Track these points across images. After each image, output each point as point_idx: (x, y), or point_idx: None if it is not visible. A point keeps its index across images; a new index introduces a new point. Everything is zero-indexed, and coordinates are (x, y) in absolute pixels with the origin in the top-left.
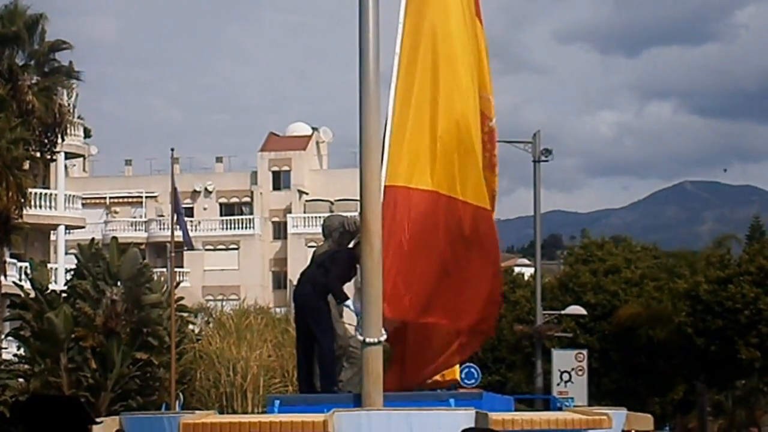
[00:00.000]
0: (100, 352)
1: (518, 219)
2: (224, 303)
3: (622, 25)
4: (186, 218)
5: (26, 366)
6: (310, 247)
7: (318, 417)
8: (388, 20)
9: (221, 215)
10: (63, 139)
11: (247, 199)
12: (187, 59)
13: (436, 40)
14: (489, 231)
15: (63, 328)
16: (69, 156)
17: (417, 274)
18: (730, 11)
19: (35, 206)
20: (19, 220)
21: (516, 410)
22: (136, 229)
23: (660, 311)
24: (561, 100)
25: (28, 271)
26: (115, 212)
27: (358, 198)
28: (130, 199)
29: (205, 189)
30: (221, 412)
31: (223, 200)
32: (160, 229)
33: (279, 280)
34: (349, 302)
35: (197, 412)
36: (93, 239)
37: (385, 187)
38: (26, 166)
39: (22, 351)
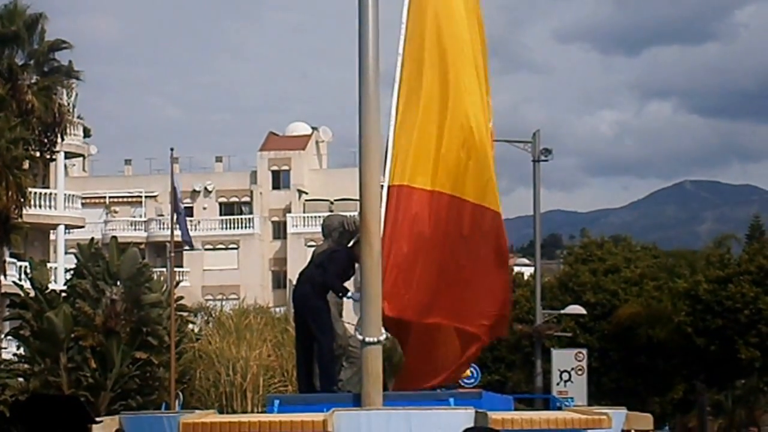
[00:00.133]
0: (100, 352)
1: (518, 218)
2: (224, 302)
3: (622, 25)
4: (186, 218)
5: (26, 365)
6: (309, 246)
7: (317, 416)
8: (388, 20)
9: (221, 215)
10: (63, 139)
11: (247, 199)
12: (186, 58)
13: (443, 40)
14: (496, 232)
15: (63, 328)
16: (69, 155)
17: (417, 273)
18: (730, 11)
19: (35, 206)
20: (19, 220)
21: (515, 410)
22: (135, 229)
23: (660, 311)
24: (561, 100)
25: (28, 271)
26: (115, 212)
27: (358, 198)
28: (129, 199)
29: (205, 188)
30: (221, 412)
31: (222, 200)
32: (159, 228)
33: (278, 280)
34: (350, 293)
35: (197, 411)
36: (93, 239)
37: (388, 186)
38: (26, 165)
39: (21, 350)
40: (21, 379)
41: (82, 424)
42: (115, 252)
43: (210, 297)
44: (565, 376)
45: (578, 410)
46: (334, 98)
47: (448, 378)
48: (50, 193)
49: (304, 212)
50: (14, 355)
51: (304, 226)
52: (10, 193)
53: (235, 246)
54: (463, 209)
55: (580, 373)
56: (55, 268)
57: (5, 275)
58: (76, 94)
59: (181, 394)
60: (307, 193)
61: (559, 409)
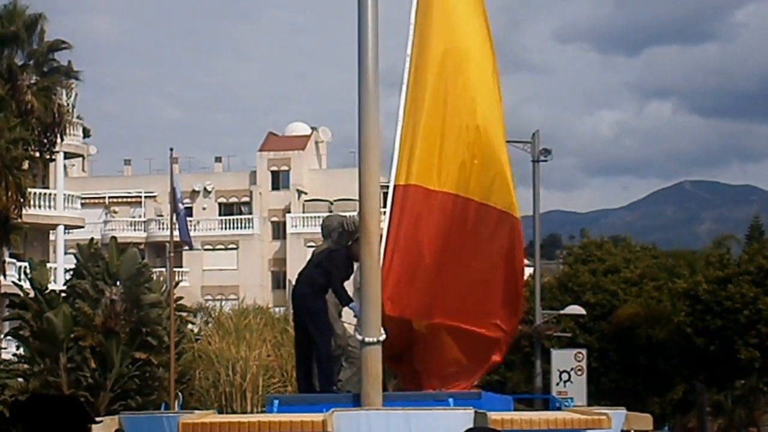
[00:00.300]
0: (100, 352)
1: None
2: (223, 303)
3: (622, 25)
4: (186, 218)
5: (25, 365)
6: (309, 246)
7: (317, 417)
8: (388, 20)
9: (220, 215)
10: (62, 139)
11: (246, 199)
12: (186, 59)
13: (449, 40)
14: (505, 232)
15: (62, 328)
16: (68, 156)
17: (421, 272)
18: (729, 11)
19: (34, 206)
20: (19, 220)
21: (515, 410)
22: (135, 229)
23: (659, 311)
24: (560, 100)
25: (28, 271)
26: (114, 212)
27: (357, 198)
28: (129, 199)
29: (204, 189)
30: (220, 412)
31: (222, 200)
32: (159, 228)
33: (278, 280)
34: (352, 304)
35: (196, 411)
36: (92, 239)
37: (394, 185)
38: (25, 165)
39: (21, 351)
40: (21, 380)
41: (82, 424)
42: (114, 252)
43: (209, 297)
44: (565, 376)
45: (578, 410)
46: (333, 98)
47: (469, 382)
48: (50, 194)
49: (303, 212)
50: (14, 355)
51: (303, 226)
52: (9, 194)
53: (234, 246)
54: (468, 208)
55: (579, 373)
56: (55, 269)
57: (5, 275)
58: (76, 95)
59: (180, 394)
60: (306, 194)
61: (559, 409)
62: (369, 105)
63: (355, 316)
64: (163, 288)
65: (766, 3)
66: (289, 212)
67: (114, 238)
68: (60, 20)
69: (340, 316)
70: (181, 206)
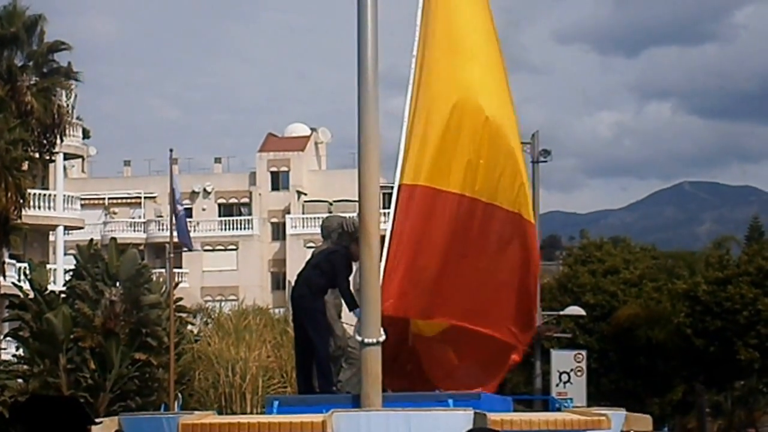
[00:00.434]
0: (99, 353)
1: None
2: (223, 303)
3: (621, 26)
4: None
5: (25, 366)
6: (308, 247)
7: (317, 417)
8: (388, 20)
9: (220, 216)
10: (62, 140)
11: (246, 200)
12: (185, 59)
13: (454, 41)
14: (513, 232)
15: (62, 329)
16: (68, 157)
17: (427, 272)
18: (728, 12)
19: (34, 207)
20: (18, 221)
21: (514, 411)
22: (134, 230)
23: (659, 312)
24: (560, 101)
25: (27, 272)
26: (114, 213)
27: (357, 199)
28: (128, 200)
29: (204, 190)
30: (220, 413)
31: (221, 201)
32: (158, 229)
33: (278, 281)
34: (357, 310)
35: (196, 412)
36: (92, 240)
37: (399, 185)
38: (25, 166)
39: (21, 351)
40: (20, 380)
41: (82, 425)
42: (114, 253)
43: (209, 298)
44: (565, 377)
45: (577, 411)
46: (333, 99)
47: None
48: (49, 195)
49: (303, 213)
50: (13, 356)
51: (303, 227)
52: (9, 195)
53: (234, 247)
54: (475, 208)
55: (579, 374)
56: (55, 270)
57: (4, 276)
58: (75, 96)
59: (180, 395)
60: (306, 195)
61: (559, 410)
62: (369, 106)
63: (356, 317)
64: (163, 289)
65: (765, 4)
66: (289, 213)
67: (114, 239)
68: (60, 21)
69: (339, 316)
70: (179, 208)
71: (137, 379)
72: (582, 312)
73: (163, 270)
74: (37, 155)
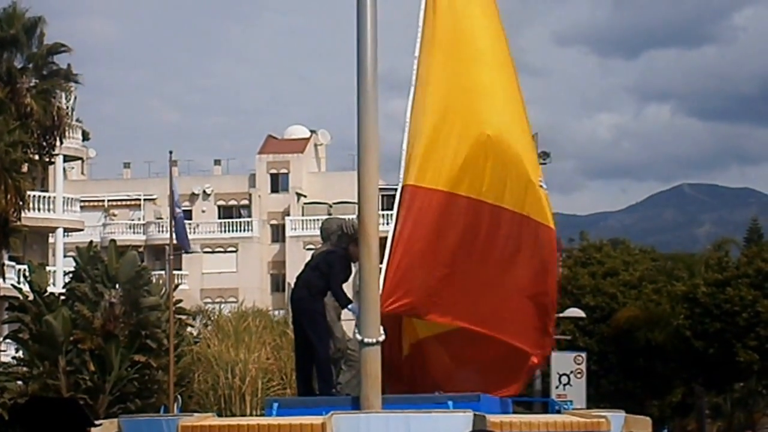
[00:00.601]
0: (99, 355)
1: None
2: (222, 305)
3: (621, 28)
4: (185, 221)
5: (25, 368)
6: (308, 249)
7: (316, 419)
8: (387, 22)
9: (219, 218)
10: (61, 142)
11: (246, 202)
12: (185, 61)
13: (456, 42)
14: (522, 236)
15: (61, 331)
16: (67, 159)
17: (425, 272)
18: (728, 14)
19: (34, 209)
20: (18, 223)
21: (514, 413)
22: (134, 232)
23: (658, 314)
24: (559, 103)
25: (27, 274)
26: (114, 215)
27: (356, 201)
28: (128, 202)
29: (204, 192)
30: (220, 415)
31: (221, 203)
32: (158, 231)
33: (277, 283)
34: (350, 305)
35: (195, 414)
36: (91, 242)
37: (402, 186)
38: (25, 168)
39: (20, 353)
40: (20, 382)
41: (81, 427)
42: (113, 255)
43: (209, 300)
44: (564, 379)
45: (577, 413)
46: (332, 101)
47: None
48: (49, 197)
49: (302, 215)
50: (13, 358)
51: (302, 229)
52: (8, 197)
53: (233, 249)
54: (482, 210)
55: (579, 376)
56: (54, 272)
57: (4, 278)
58: (75, 98)
59: (179, 397)
60: (305, 196)
61: (558, 412)
62: (368, 107)
63: (357, 316)
64: (163, 291)
65: (765, 6)
66: (289, 215)
67: (113, 241)
68: (59, 23)
69: (339, 318)
70: (178, 210)
71: (137, 381)
72: (582, 314)
73: (162, 272)
74: (36, 157)
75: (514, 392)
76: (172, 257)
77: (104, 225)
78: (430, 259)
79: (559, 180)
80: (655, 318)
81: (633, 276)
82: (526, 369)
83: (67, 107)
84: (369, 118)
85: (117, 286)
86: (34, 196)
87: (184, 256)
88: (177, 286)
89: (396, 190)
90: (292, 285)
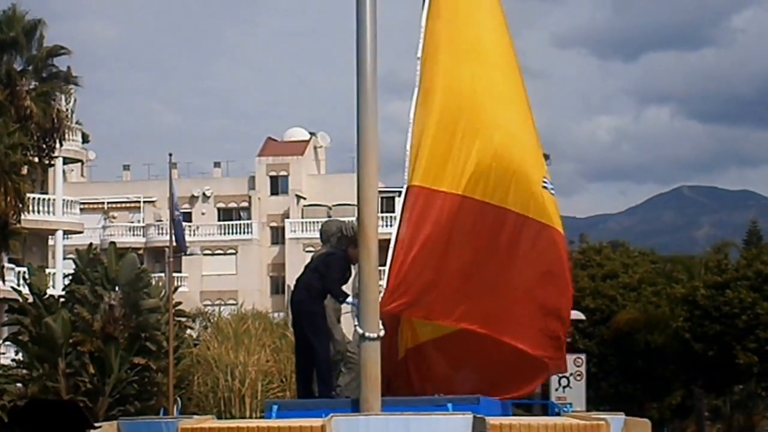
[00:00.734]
0: (98, 357)
1: None
2: (222, 308)
3: (620, 30)
4: (184, 223)
5: (24, 371)
6: (308, 252)
7: (316, 422)
8: (387, 24)
9: (219, 220)
10: (61, 144)
11: (245, 204)
12: (184, 64)
13: (458, 44)
14: (524, 237)
15: (61, 333)
16: (67, 161)
17: (429, 272)
18: (727, 16)
19: (33, 211)
20: (17, 225)
21: (514, 415)
22: (134, 234)
23: (658, 316)
24: (559, 105)
25: (26, 276)
26: (113, 217)
27: (356, 203)
28: (128, 204)
29: (203, 194)
30: (219, 417)
31: (221, 205)
32: (158, 234)
33: (277, 285)
34: (349, 298)
35: (195, 416)
36: (91, 244)
37: (407, 187)
38: (24, 171)
39: (20, 356)
40: (19, 385)
41: (81, 429)
42: (113, 257)
43: (208, 302)
44: (564, 381)
45: (577, 416)
46: (332, 103)
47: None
48: (49, 199)
49: (302, 218)
50: (12, 360)
51: (302, 231)
52: (8, 199)
53: (233, 251)
54: (486, 211)
55: (578, 378)
56: (54, 274)
57: (4, 281)
58: (75, 100)
59: (179, 399)
60: (305, 199)
61: (558, 414)
62: (368, 110)
63: (352, 305)
64: (162, 293)
65: (763, 8)
66: (288, 217)
67: (113, 243)
68: (59, 26)
69: (339, 321)
70: (177, 212)
71: (136, 383)
72: (581, 316)
73: (162, 274)
74: (36, 159)
75: (519, 395)
76: (171, 259)
77: (104, 227)
78: (433, 259)
79: (559, 182)
80: (654, 320)
81: (632, 278)
82: (534, 372)
83: (67, 109)
84: (368, 121)
85: (116, 288)
86: (33, 198)
87: (183, 258)
88: (176, 288)
89: (396, 192)
90: (292, 287)
